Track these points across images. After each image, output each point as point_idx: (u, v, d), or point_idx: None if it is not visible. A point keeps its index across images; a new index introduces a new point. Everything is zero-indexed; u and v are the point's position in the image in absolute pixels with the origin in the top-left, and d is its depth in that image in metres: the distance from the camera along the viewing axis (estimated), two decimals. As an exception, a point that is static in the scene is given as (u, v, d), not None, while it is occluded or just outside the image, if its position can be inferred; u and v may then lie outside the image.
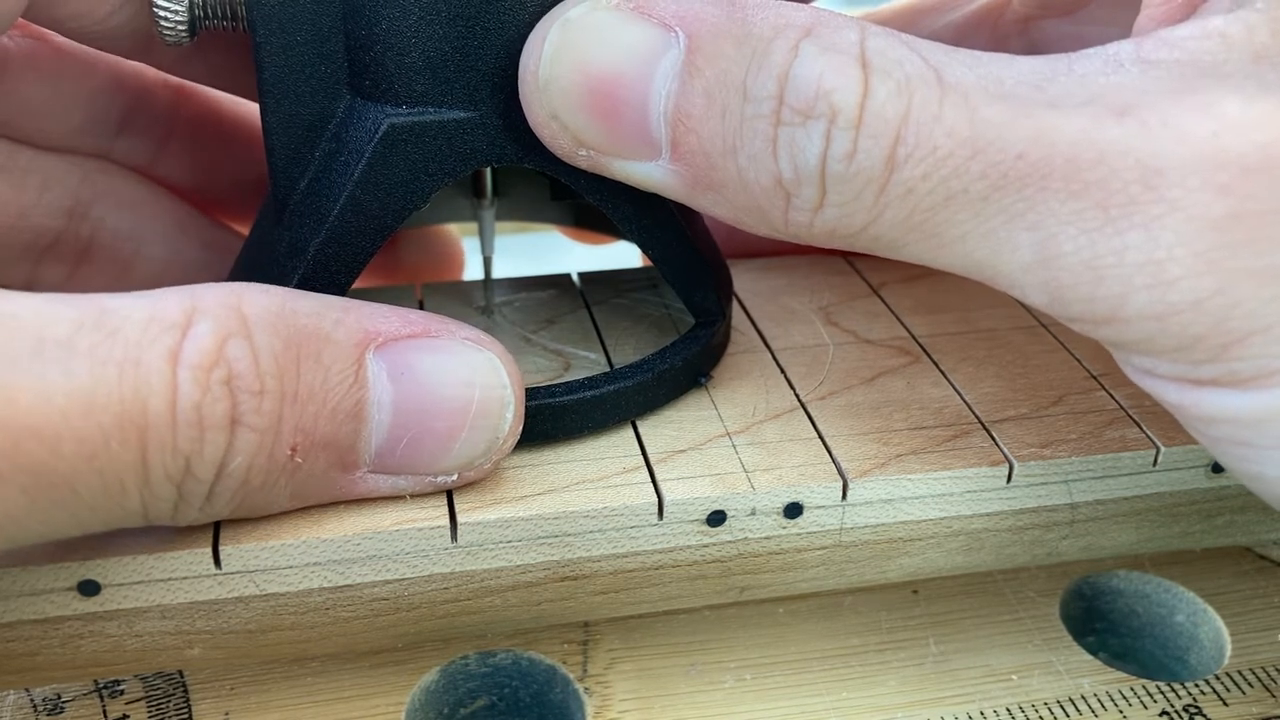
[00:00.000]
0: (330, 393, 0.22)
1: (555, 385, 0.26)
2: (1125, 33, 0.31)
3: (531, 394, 0.25)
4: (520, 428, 0.24)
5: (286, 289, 0.22)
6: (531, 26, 0.23)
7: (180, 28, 0.25)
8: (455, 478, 0.24)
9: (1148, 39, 0.21)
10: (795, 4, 0.22)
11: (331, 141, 0.25)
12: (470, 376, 0.23)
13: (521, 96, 0.23)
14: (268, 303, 0.21)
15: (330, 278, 0.25)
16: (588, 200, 0.26)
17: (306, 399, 0.21)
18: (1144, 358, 0.21)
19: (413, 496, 0.24)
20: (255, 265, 0.27)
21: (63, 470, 0.19)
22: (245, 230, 0.34)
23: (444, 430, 0.23)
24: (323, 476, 0.23)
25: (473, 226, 0.32)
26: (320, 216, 0.25)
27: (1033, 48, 0.33)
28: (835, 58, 0.21)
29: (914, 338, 0.31)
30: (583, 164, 0.24)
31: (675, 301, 0.32)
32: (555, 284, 0.32)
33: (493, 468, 0.24)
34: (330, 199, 0.25)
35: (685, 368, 0.27)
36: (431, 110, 0.24)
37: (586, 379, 0.26)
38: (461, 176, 0.25)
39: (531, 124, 0.23)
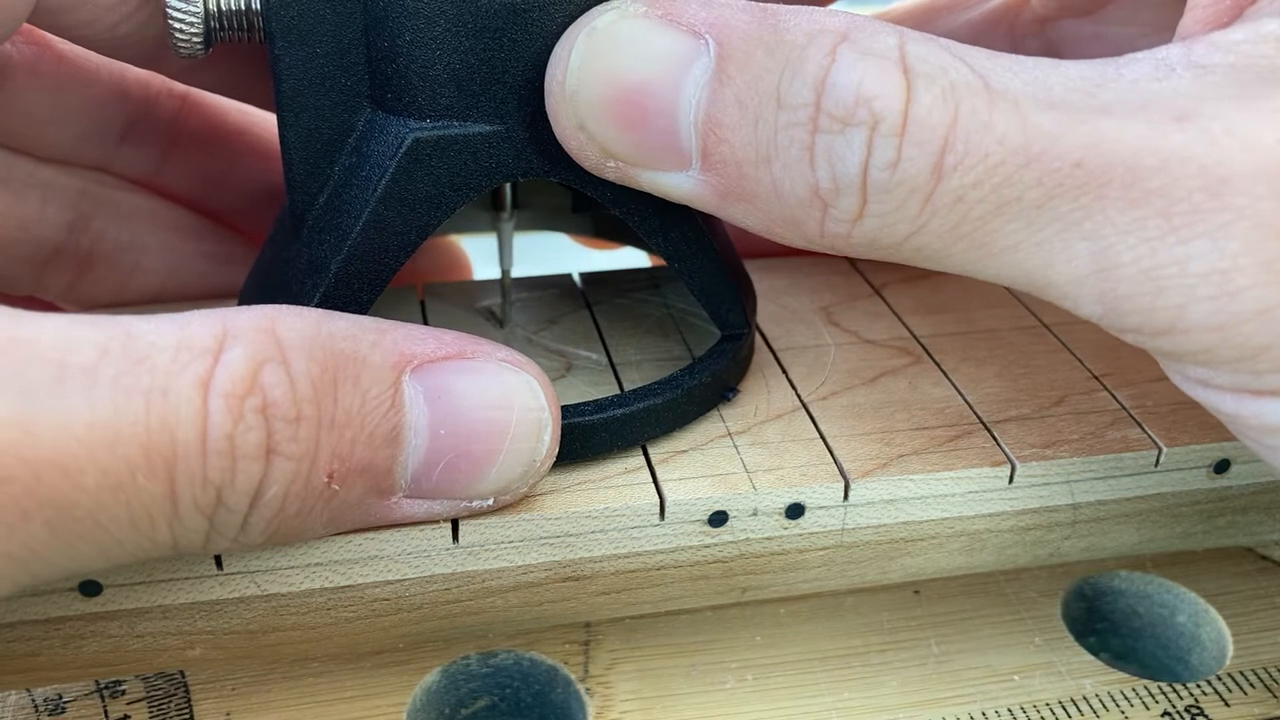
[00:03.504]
0: (367, 417, 0.21)
1: (584, 404, 0.25)
2: (1145, 33, 0.30)
3: (562, 412, 0.24)
4: (556, 450, 0.23)
5: (319, 310, 0.21)
6: (558, 37, 0.23)
7: (195, 39, 0.24)
8: (491, 502, 0.23)
9: (1198, 43, 0.21)
10: (827, 10, 0.22)
11: (352, 155, 0.24)
12: (507, 399, 0.22)
13: (548, 107, 0.23)
14: (303, 325, 0.21)
15: (352, 296, 0.25)
16: (614, 213, 0.25)
17: (344, 424, 0.21)
18: (1201, 368, 0.21)
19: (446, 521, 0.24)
20: (272, 282, 0.26)
21: (87, 504, 0.18)
22: (250, 240, 0.34)
23: (481, 453, 0.22)
24: (358, 503, 0.22)
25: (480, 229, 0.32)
26: (342, 233, 0.24)
27: (1050, 48, 0.32)
28: (875, 63, 0.20)
29: (915, 338, 0.31)
30: (610, 175, 0.23)
31: (676, 301, 0.32)
32: (556, 284, 0.32)
33: (529, 491, 0.24)
34: (352, 215, 0.24)
35: (714, 383, 0.27)
36: (456, 124, 0.24)
37: (616, 397, 0.26)
38: (487, 191, 0.25)
39: (558, 135, 0.23)
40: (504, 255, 0.30)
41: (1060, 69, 0.21)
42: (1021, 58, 0.21)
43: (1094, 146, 0.19)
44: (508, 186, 0.29)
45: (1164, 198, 0.19)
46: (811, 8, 0.22)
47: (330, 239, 0.24)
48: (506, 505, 0.24)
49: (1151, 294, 0.20)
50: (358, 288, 0.25)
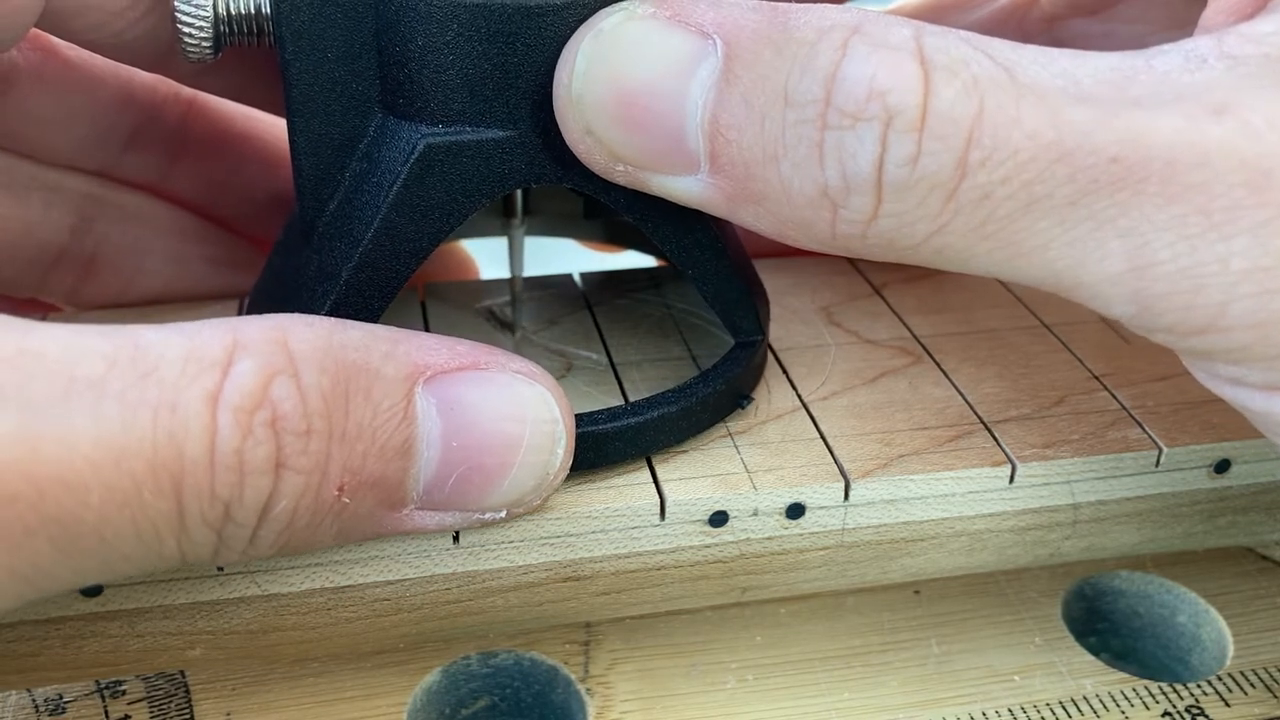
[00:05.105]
0: (379, 430, 0.21)
1: (597, 413, 0.25)
2: (1155, 30, 0.30)
3: (575, 421, 0.24)
4: (570, 462, 0.23)
5: (331, 319, 0.21)
6: None
7: (205, 44, 0.23)
8: (504, 514, 0.23)
9: (1228, 34, 0.20)
10: (840, 7, 0.21)
11: (363, 161, 0.24)
12: (521, 411, 0.22)
13: (555, 111, 0.22)
14: (313, 336, 0.20)
15: (364, 303, 0.24)
16: (626, 219, 0.25)
17: (355, 437, 0.20)
18: (1233, 366, 0.20)
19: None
20: (281, 289, 0.26)
21: (92, 521, 0.18)
22: (254, 245, 0.34)
23: (494, 466, 0.22)
24: (369, 515, 0.22)
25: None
26: (353, 240, 0.24)
27: (1059, 46, 0.32)
28: (889, 55, 0.19)
29: (916, 338, 0.31)
30: (620, 180, 0.23)
31: (676, 301, 0.32)
32: (556, 284, 0.32)
33: (542, 503, 0.24)
34: (363, 222, 0.24)
35: (728, 390, 0.26)
36: (469, 129, 0.23)
37: (630, 406, 0.25)
38: (499, 197, 0.24)
39: (566, 139, 0.23)
40: (515, 262, 0.30)
41: (1087, 61, 0.20)
42: (1046, 49, 0.20)
43: (1130, 141, 0.19)
44: (519, 192, 0.29)
45: (1204, 193, 0.19)
46: (823, 5, 0.21)
47: (341, 246, 0.24)
48: (519, 516, 0.24)
49: (1190, 292, 0.19)
50: (369, 295, 0.24)
